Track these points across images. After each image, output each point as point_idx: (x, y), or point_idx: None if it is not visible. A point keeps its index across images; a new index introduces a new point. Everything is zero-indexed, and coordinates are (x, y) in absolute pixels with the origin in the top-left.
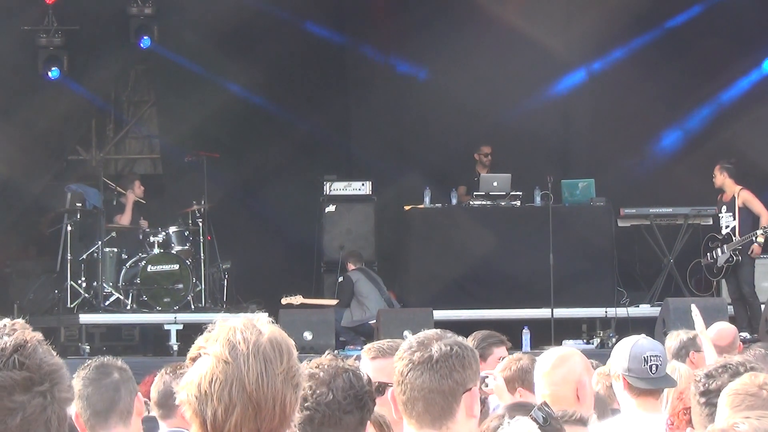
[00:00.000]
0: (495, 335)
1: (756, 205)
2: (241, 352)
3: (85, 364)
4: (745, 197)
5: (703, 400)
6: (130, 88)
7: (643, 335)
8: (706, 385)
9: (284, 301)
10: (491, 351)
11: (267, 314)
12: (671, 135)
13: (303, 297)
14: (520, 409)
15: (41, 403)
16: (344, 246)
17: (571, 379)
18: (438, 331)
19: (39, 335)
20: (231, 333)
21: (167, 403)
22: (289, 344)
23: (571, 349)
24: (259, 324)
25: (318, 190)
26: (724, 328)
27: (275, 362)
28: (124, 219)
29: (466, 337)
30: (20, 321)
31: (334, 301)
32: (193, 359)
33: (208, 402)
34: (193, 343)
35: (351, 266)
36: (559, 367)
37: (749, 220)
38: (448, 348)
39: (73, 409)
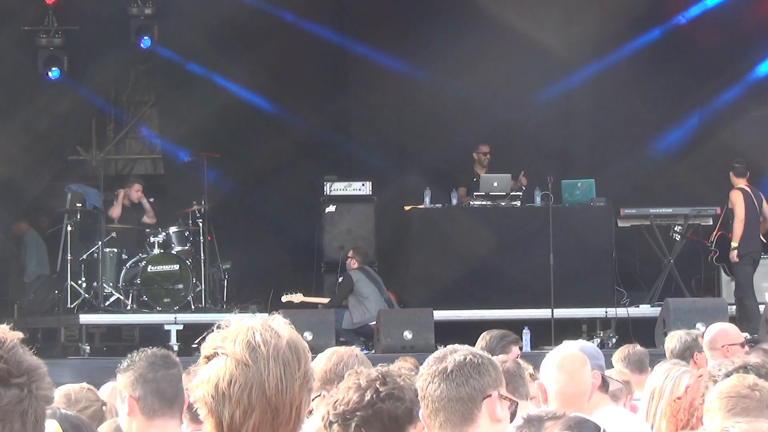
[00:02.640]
0: (510, 334)
1: (736, 205)
2: (262, 356)
3: (148, 351)
4: (732, 198)
5: None
6: (130, 88)
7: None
8: None
9: (284, 299)
10: (510, 349)
11: (282, 315)
12: (671, 135)
13: (303, 295)
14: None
15: (17, 395)
16: (344, 246)
17: (588, 379)
18: (455, 345)
19: (19, 334)
20: (250, 334)
21: None
22: (305, 347)
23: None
24: (277, 326)
25: (318, 190)
26: (726, 328)
27: (294, 366)
28: (114, 212)
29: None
30: (2, 326)
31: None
32: (209, 357)
33: (225, 403)
34: (207, 340)
35: (354, 263)
36: (587, 364)
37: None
38: (462, 357)
39: (126, 392)
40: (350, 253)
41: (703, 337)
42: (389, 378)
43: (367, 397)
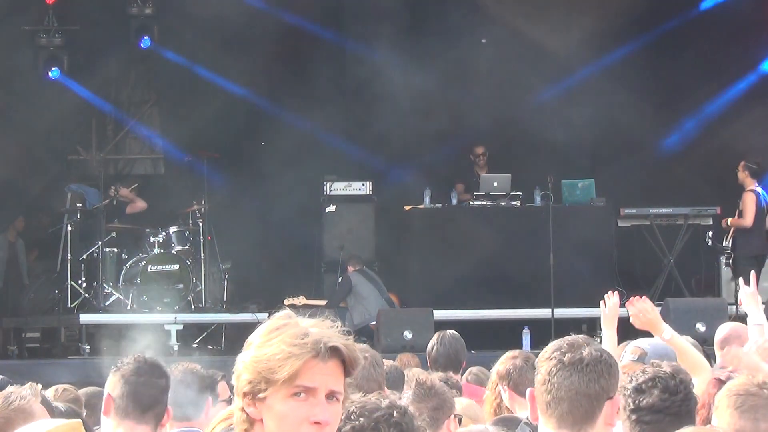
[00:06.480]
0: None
1: (747, 210)
2: None
3: (139, 357)
4: (744, 199)
5: (634, 417)
6: (130, 88)
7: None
8: (637, 401)
9: (287, 302)
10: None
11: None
12: (671, 135)
13: (306, 298)
14: (507, 423)
15: None
16: (344, 246)
17: None
18: (584, 336)
19: None
20: None
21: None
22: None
23: None
24: None
25: (318, 190)
26: (737, 329)
27: None
28: (138, 205)
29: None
30: None
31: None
32: None
33: None
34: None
35: (351, 268)
36: None
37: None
38: (599, 354)
39: (107, 390)
40: (345, 262)
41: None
42: (408, 415)
43: (378, 413)
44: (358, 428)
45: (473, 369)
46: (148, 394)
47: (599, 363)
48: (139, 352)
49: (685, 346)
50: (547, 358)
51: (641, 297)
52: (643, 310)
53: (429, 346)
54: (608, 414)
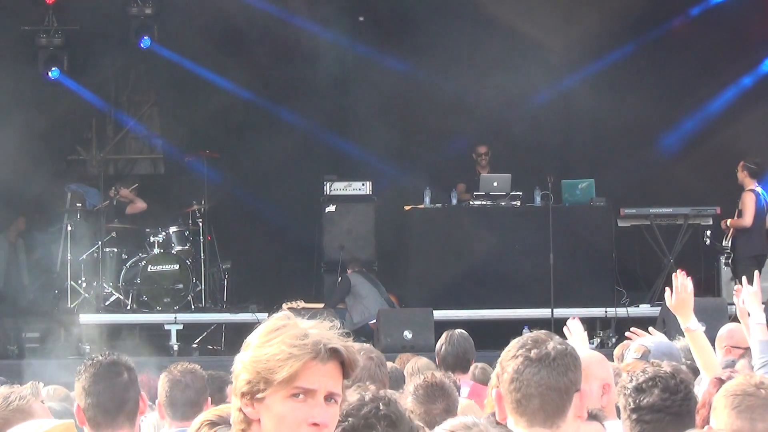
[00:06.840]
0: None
1: (746, 210)
2: None
3: (95, 360)
4: (743, 199)
5: (634, 416)
6: (130, 88)
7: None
8: (637, 401)
9: (285, 306)
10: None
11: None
12: (671, 135)
13: (304, 302)
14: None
15: None
16: (344, 246)
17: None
18: (546, 331)
19: None
20: None
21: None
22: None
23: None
24: None
25: (318, 190)
26: (733, 330)
27: None
28: (138, 205)
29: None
30: None
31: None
32: None
33: None
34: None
35: (350, 270)
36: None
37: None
38: (564, 347)
39: (77, 401)
40: (345, 265)
41: None
42: (393, 403)
43: (365, 409)
44: (348, 428)
45: (479, 364)
46: (111, 398)
47: (566, 356)
48: (99, 353)
49: (703, 342)
50: (512, 357)
51: (686, 274)
52: (684, 286)
53: (438, 345)
54: (577, 406)
